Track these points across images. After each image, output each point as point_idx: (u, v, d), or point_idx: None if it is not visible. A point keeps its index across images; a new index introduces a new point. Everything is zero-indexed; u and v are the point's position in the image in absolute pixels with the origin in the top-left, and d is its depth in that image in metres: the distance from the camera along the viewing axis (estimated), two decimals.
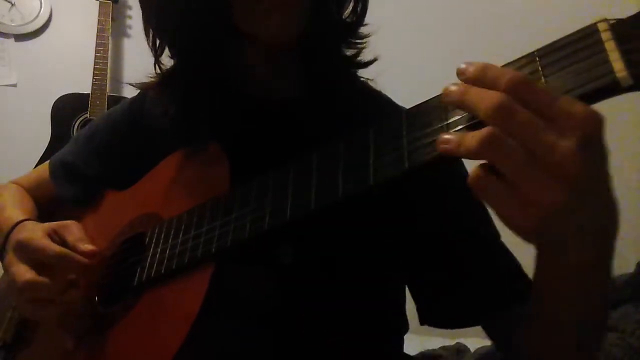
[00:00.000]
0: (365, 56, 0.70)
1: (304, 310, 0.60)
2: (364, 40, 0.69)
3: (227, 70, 0.68)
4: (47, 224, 0.66)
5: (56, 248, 0.61)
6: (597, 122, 0.33)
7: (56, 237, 0.64)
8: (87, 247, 0.62)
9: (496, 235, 0.65)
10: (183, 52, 0.65)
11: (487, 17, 1.87)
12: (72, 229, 0.65)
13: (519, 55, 0.38)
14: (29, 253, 0.61)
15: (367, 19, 0.69)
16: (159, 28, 0.65)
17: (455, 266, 0.63)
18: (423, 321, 0.66)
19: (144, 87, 0.72)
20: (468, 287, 0.63)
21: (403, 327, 0.73)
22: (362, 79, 0.74)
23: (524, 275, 0.63)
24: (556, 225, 0.35)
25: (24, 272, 0.59)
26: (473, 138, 0.34)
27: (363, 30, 0.69)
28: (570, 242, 0.37)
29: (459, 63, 0.36)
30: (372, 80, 0.74)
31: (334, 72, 0.69)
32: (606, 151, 0.34)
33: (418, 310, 0.66)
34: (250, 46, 0.66)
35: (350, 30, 0.68)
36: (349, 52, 0.70)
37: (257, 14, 0.58)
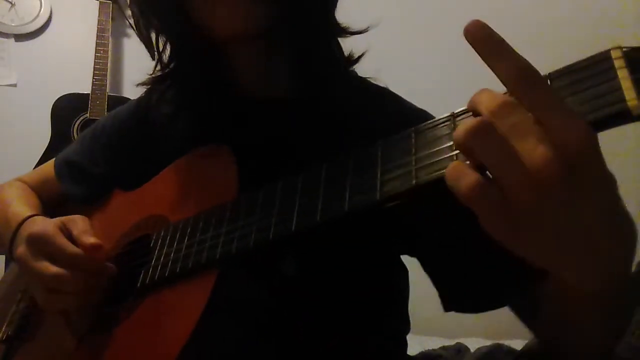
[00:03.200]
0: (357, 53, 0.69)
1: (306, 318, 0.60)
2: (349, 34, 0.68)
3: (217, 73, 0.68)
4: (56, 219, 0.66)
5: (72, 249, 0.61)
6: (581, 139, 0.31)
7: (65, 231, 0.64)
8: (91, 240, 0.62)
9: None
10: (174, 54, 0.67)
11: (488, 15, 1.87)
12: (78, 222, 0.65)
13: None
14: (43, 246, 0.61)
15: (366, 17, 0.68)
16: (140, 32, 0.67)
17: (471, 252, 0.60)
18: (448, 308, 0.64)
19: (144, 84, 0.72)
20: (487, 268, 0.59)
21: (405, 328, 0.73)
22: (365, 77, 0.72)
23: None
24: (531, 232, 0.34)
25: (48, 266, 0.59)
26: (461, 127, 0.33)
27: (351, 25, 0.67)
28: (562, 259, 0.35)
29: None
30: (373, 78, 0.73)
31: (324, 70, 0.67)
32: (599, 173, 0.33)
33: (441, 297, 0.64)
34: (231, 48, 0.66)
35: (323, 18, 0.65)
36: (337, 48, 0.69)
37: (203, 7, 0.59)
